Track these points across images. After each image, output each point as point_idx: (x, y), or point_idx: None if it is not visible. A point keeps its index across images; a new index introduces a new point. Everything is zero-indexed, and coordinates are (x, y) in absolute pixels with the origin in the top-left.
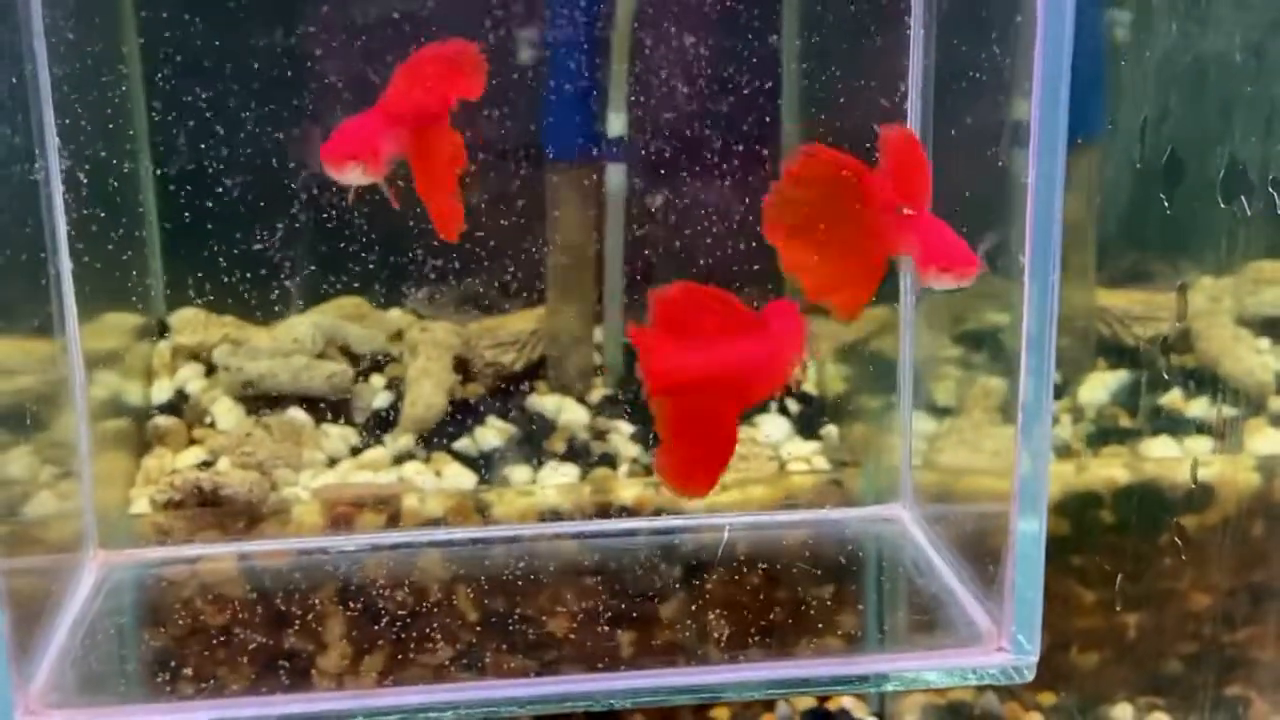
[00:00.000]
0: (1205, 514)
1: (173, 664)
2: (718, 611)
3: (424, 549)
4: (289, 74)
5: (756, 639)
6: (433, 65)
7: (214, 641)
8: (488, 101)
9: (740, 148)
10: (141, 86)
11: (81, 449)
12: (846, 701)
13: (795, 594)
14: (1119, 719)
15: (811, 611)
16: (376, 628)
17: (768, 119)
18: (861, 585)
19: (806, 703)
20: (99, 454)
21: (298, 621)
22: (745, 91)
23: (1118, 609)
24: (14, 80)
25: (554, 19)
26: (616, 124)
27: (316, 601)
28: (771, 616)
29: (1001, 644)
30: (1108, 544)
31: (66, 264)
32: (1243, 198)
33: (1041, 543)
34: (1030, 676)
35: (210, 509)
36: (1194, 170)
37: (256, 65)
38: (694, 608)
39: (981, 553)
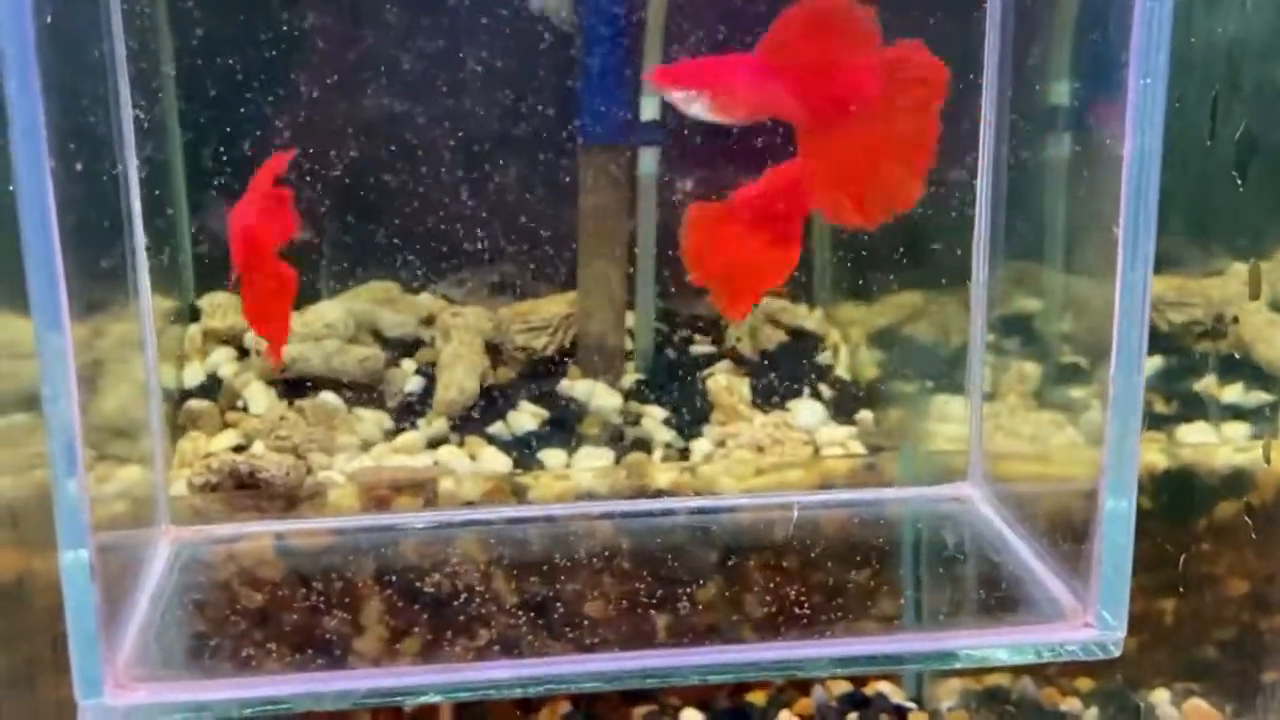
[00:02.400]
0: (1242, 500)
1: (250, 638)
2: (799, 590)
3: (498, 526)
4: (313, 59)
5: (841, 617)
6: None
7: (290, 616)
8: (522, 86)
9: (773, 132)
10: (173, 71)
11: (154, 426)
12: (883, 686)
13: (876, 572)
14: (1156, 704)
15: (893, 589)
16: (448, 605)
17: None
18: (938, 563)
19: (842, 686)
20: (140, 437)
21: (367, 598)
22: None
23: (1156, 594)
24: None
25: (589, 3)
26: (649, 108)
27: (388, 578)
28: (853, 594)
29: (1088, 619)
30: (1145, 529)
31: (143, 254)
32: None
33: (1131, 521)
34: (1117, 652)
35: (247, 491)
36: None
37: (282, 52)
38: (768, 587)
39: (1060, 531)
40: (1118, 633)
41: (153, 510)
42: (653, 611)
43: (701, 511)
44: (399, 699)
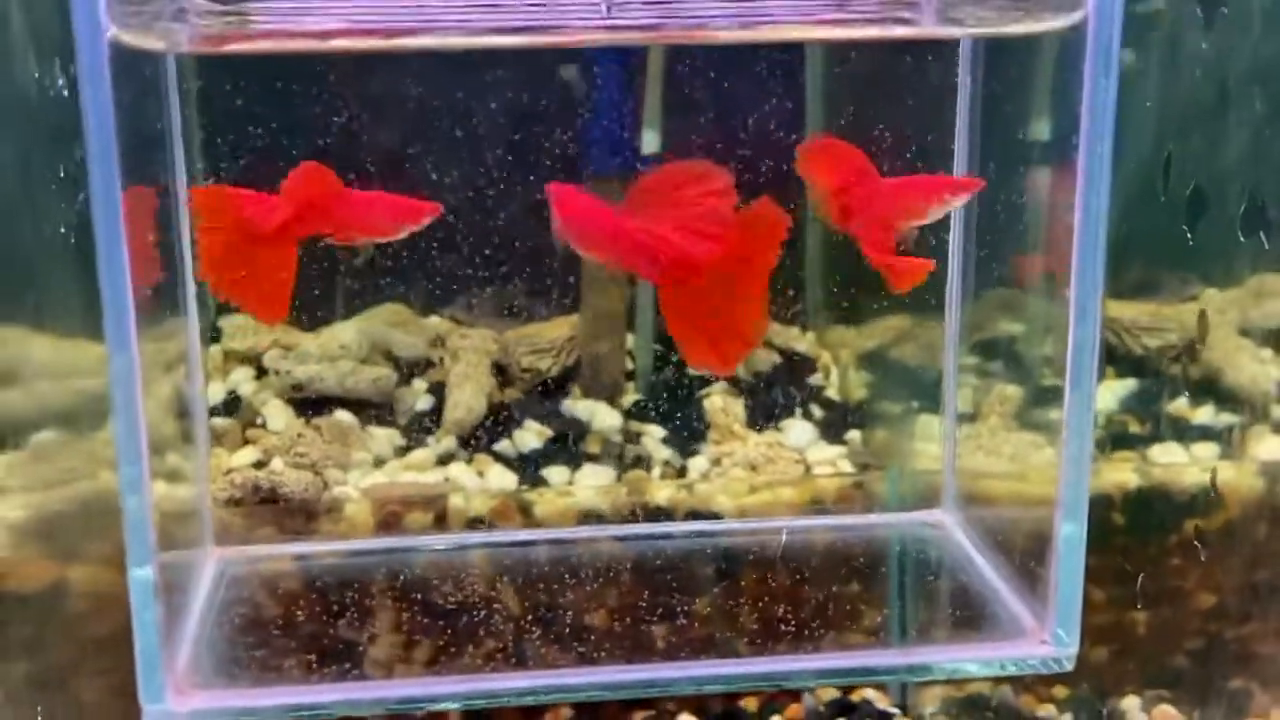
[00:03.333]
0: (1211, 517)
1: (290, 650)
2: (779, 608)
3: (531, 547)
4: (325, 85)
5: (820, 633)
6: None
7: (329, 630)
8: (532, 120)
9: (768, 162)
10: (194, 99)
11: (200, 449)
12: (869, 693)
13: (851, 592)
14: (1127, 710)
15: (866, 608)
16: (464, 620)
17: (790, 135)
18: (914, 585)
19: (831, 693)
20: (168, 454)
21: (400, 613)
22: (771, 110)
23: (1127, 606)
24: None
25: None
26: (651, 141)
27: (420, 595)
28: (830, 613)
29: (1044, 638)
30: (1118, 545)
31: (190, 277)
32: (1261, 234)
33: (1082, 545)
34: (1070, 667)
35: (269, 506)
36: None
37: (296, 77)
38: (758, 604)
39: (1023, 554)
40: (1071, 649)
41: (199, 529)
42: (651, 626)
43: (698, 535)
44: (422, 706)
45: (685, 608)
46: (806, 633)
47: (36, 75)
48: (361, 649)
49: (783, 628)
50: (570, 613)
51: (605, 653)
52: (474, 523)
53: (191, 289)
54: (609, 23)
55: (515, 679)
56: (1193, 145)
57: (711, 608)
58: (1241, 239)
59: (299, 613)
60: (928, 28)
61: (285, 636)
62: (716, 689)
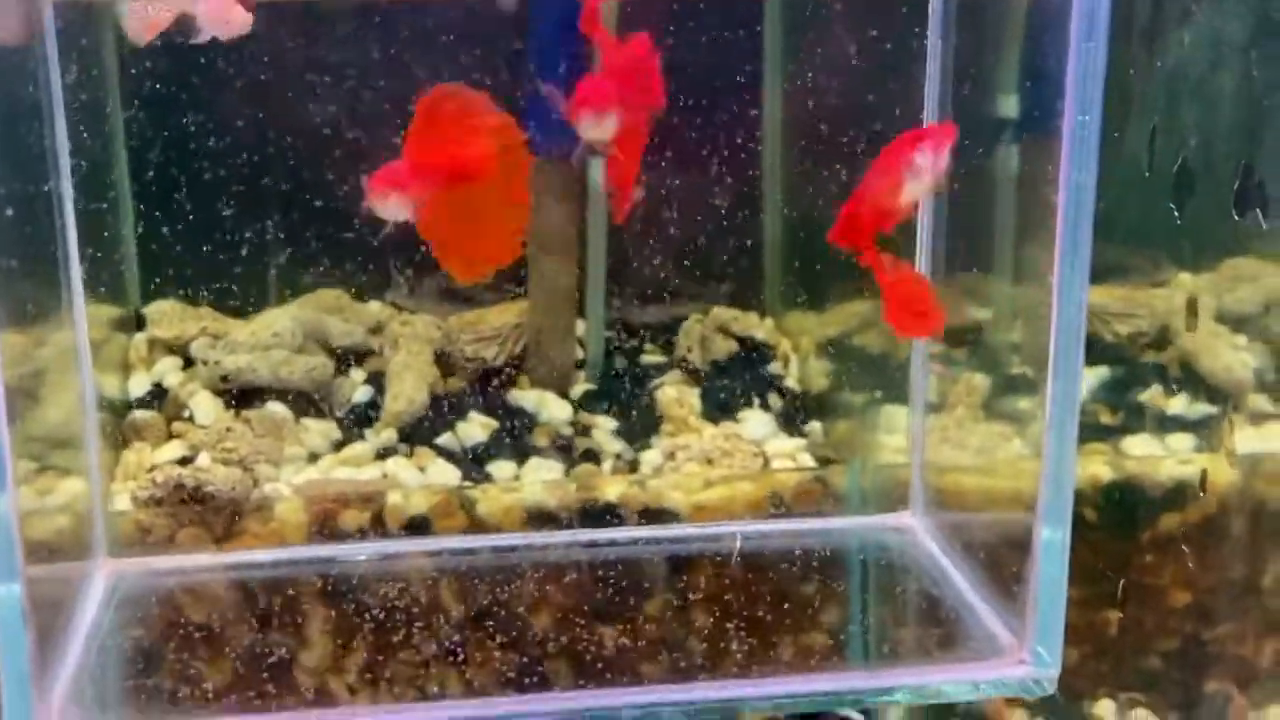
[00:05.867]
0: (1186, 512)
1: (188, 678)
2: (733, 624)
3: (446, 555)
4: (264, 64)
5: (776, 653)
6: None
7: (227, 654)
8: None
9: (721, 141)
10: (117, 80)
11: (90, 450)
12: None
13: (812, 607)
14: (1101, 715)
15: (828, 624)
16: (403, 638)
17: (749, 112)
18: (880, 600)
19: None
20: (81, 450)
21: (305, 631)
22: (726, 86)
23: (1100, 606)
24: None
25: (537, 16)
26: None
27: (323, 609)
28: (789, 630)
29: (1023, 656)
30: (1090, 541)
31: (75, 262)
32: (1258, 210)
33: (1065, 554)
34: (1051, 689)
35: (193, 505)
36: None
37: (229, 54)
38: (709, 620)
39: (999, 563)
40: (1052, 670)
41: (89, 538)
42: (592, 646)
43: (645, 542)
44: None
45: (630, 625)
46: (763, 653)
47: None
48: (266, 677)
49: (735, 647)
50: (505, 634)
51: (545, 676)
52: (413, 523)
53: (78, 277)
54: None
55: (434, 710)
56: (1180, 119)
57: (659, 625)
58: (1236, 217)
59: (197, 634)
60: None
61: (180, 663)
62: (669, 716)
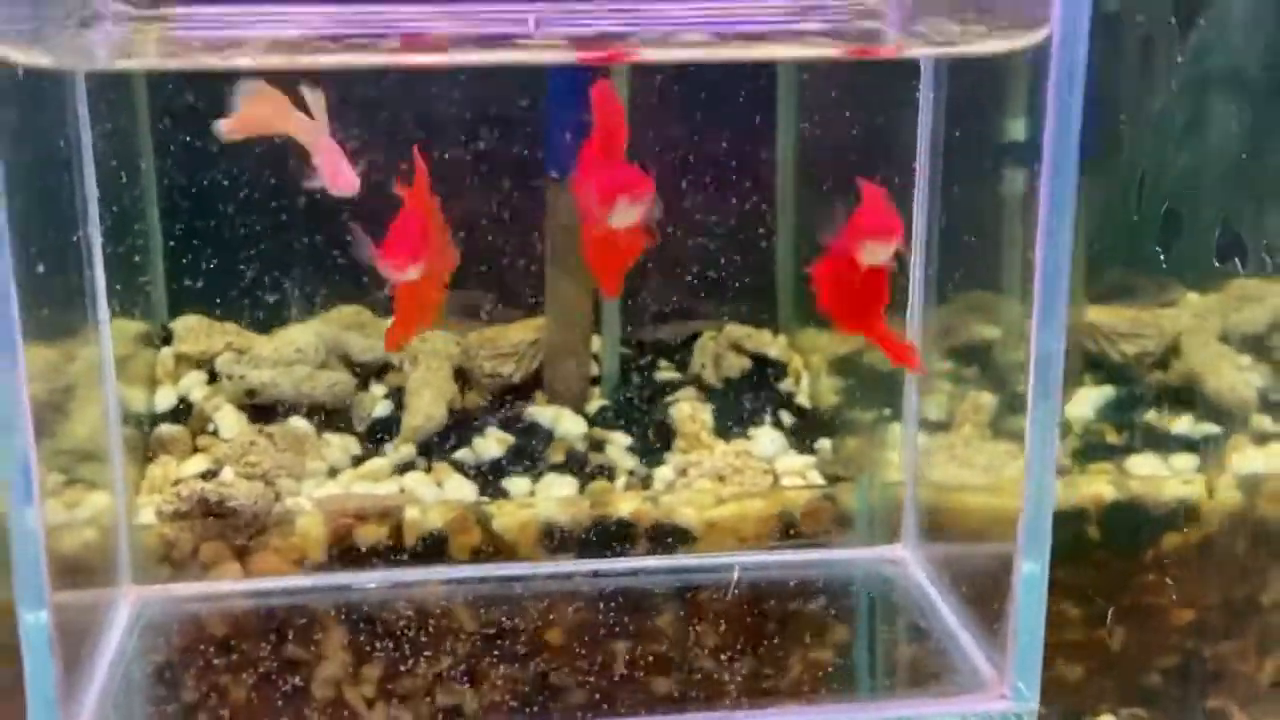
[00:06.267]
0: (1189, 531)
1: (211, 706)
2: (721, 655)
3: (465, 584)
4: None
5: (765, 684)
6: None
7: (251, 682)
8: (493, 122)
9: (734, 164)
10: (146, 98)
11: (116, 473)
12: None
13: (798, 639)
14: None
15: (815, 657)
16: (422, 662)
17: (760, 135)
18: (863, 630)
19: None
20: (105, 462)
21: (329, 659)
22: (740, 108)
23: (1102, 623)
24: None
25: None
26: None
27: (348, 637)
28: (775, 662)
29: (1003, 691)
30: (1094, 560)
31: (101, 278)
32: (1236, 260)
33: (1044, 587)
34: None
35: (216, 519)
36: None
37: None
38: (695, 650)
39: (984, 596)
40: (1031, 704)
41: (115, 564)
42: (578, 676)
43: (642, 573)
44: None
45: (618, 653)
46: (746, 684)
47: None
48: (290, 709)
49: (719, 678)
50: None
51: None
52: (429, 539)
53: (103, 293)
54: (542, 41)
55: None
56: (1168, 159)
57: (645, 653)
58: (1216, 264)
59: (221, 664)
60: (888, 45)
61: (202, 691)
62: None
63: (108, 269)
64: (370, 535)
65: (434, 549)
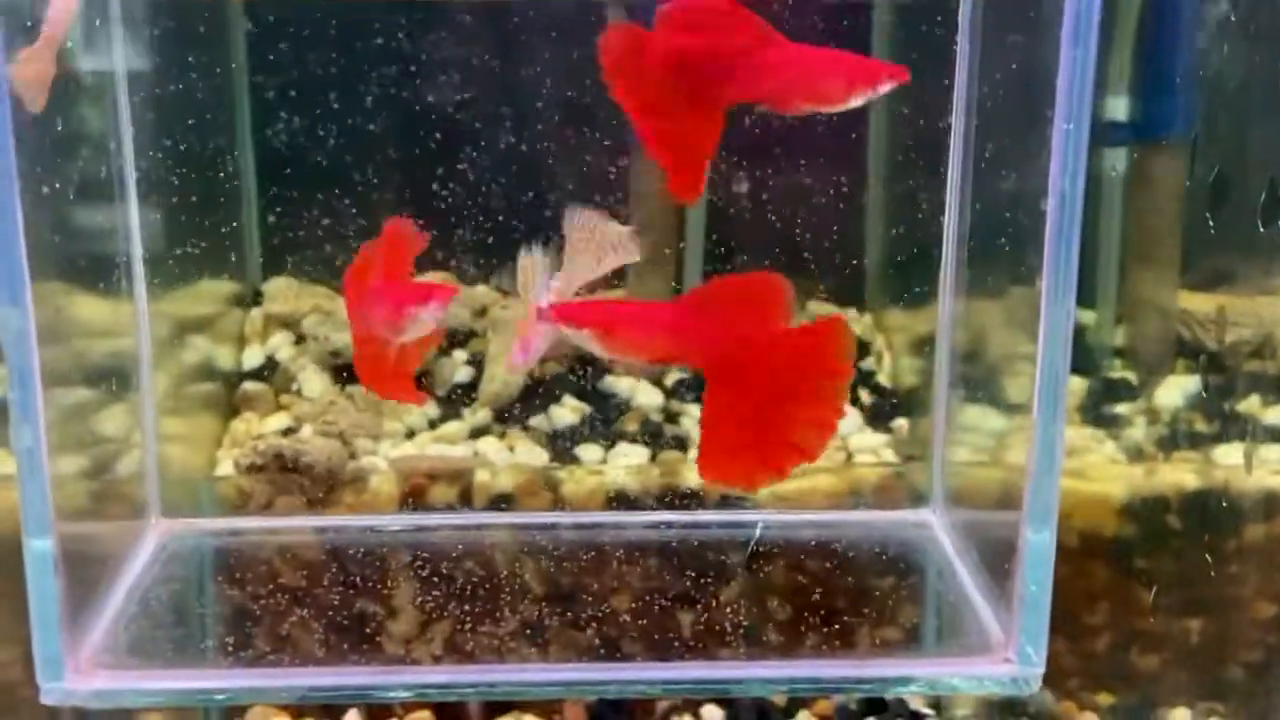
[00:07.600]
0: (1273, 523)
1: (223, 631)
2: (740, 608)
3: (494, 529)
4: (385, 46)
5: (770, 638)
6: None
7: (264, 611)
8: (581, 93)
9: (824, 136)
10: (245, 59)
11: (147, 416)
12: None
13: (822, 596)
14: None
15: (833, 614)
16: (428, 600)
17: (852, 112)
18: (886, 591)
19: None
20: (187, 416)
21: (359, 592)
22: None
23: (1180, 613)
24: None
25: None
26: None
27: (382, 578)
28: (791, 617)
29: (1008, 655)
30: (1173, 549)
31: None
32: None
33: (1051, 554)
34: (1035, 688)
35: (290, 474)
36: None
37: (354, 39)
38: (719, 605)
39: (999, 561)
40: (1037, 668)
41: (143, 501)
42: (600, 624)
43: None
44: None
45: (640, 603)
46: (762, 637)
47: None
48: (291, 634)
49: (732, 630)
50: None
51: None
52: (497, 500)
53: (139, 252)
54: None
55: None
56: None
57: (665, 605)
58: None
59: (234, 592)
60: None
61: (216, 618)
62: (655, 693)
63: (203, 234)
64: (441, 495)
65: (463, 505)
